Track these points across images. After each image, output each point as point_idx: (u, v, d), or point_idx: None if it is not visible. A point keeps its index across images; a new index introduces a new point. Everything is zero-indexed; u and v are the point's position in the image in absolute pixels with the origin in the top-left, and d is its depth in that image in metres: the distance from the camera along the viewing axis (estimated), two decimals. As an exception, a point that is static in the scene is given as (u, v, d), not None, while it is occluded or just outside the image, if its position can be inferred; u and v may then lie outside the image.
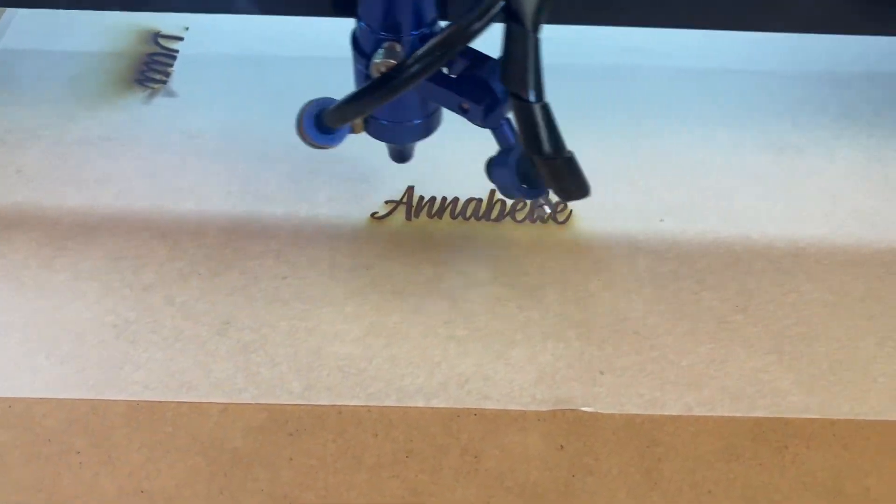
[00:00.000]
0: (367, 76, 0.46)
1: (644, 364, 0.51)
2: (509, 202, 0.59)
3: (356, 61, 0.48)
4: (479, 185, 0.60)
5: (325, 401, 0.49)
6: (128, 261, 0.56)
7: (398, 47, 0.44)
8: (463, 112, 0.45)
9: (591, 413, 0.49)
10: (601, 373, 0.51)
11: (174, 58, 0.71)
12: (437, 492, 0.46)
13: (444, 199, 0.60)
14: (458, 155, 0.60)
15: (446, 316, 0.53)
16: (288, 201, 0.60)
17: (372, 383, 0.50)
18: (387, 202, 0.60)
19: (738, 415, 0.49)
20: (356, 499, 0.46)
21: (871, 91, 0.68)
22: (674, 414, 0.49)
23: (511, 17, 0.37)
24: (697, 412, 0.49)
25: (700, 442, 0.48)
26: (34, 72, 0.69)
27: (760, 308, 0.54)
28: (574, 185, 0.42)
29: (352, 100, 0.44)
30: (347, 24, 0.67)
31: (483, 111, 0.44)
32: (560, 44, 0.72)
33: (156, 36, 0.72)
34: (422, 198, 0.60)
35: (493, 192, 0.60)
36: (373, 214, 0.59)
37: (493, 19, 0.38)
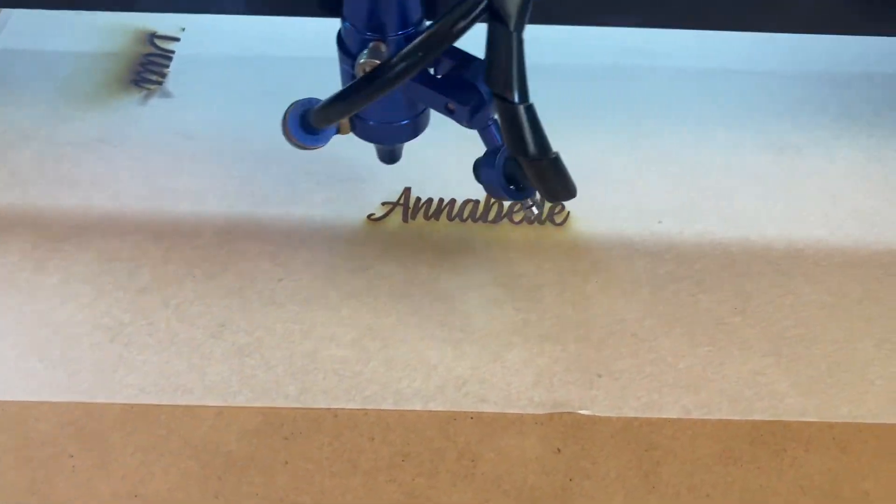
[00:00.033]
0: (352, 76, 0.46)
1: (642, 367, 0.51)
2: (506, 204, 0.59)
3: (342, 61, 0.48)
4: (476, 187, 0.60)
5: (320, 404, 0.49)
6: (122, 263, 0.55)
7: (383, 47, 0.44)
8: (449, 113, 0.45)
9: (588, 416, 0.49)
10: (598, 375, 0.50)
11: (170, 58, 0.70)
12: (434, 496, 0.46)
13: (441, 200, 0.60)
14: (454, 156, 0.60)
15: (443, 318, 0.53)
16: (284, 203, 0.59)
17: (368, 386, 0.50)
18: (383, 204, 0.59)
19: (735, 418, 0.49)
20: (352, 503, 0.46)
21: (871, 91, 0.68)
22: (672, 417, 0.49)
23: (494, 17, 0.37)
24: (695, 415, 0.49)
25: (698, 445, 0.48)
26: (28, 72, 0.69)
27: (758, 310, 0.54)
28: (560, 185, 0.42)
29: (336, 100, 0.43)
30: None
31: (469, 112, 0.44)
32: (558, 44, 0.72)
33: (152, 36, 0.72)
34: (418, 199, 0.60)
35: (490, 193, 0.60)
36: (369, 216, 0.59)
37: (478, 19, 0.37)
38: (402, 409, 0.49)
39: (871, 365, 0.51)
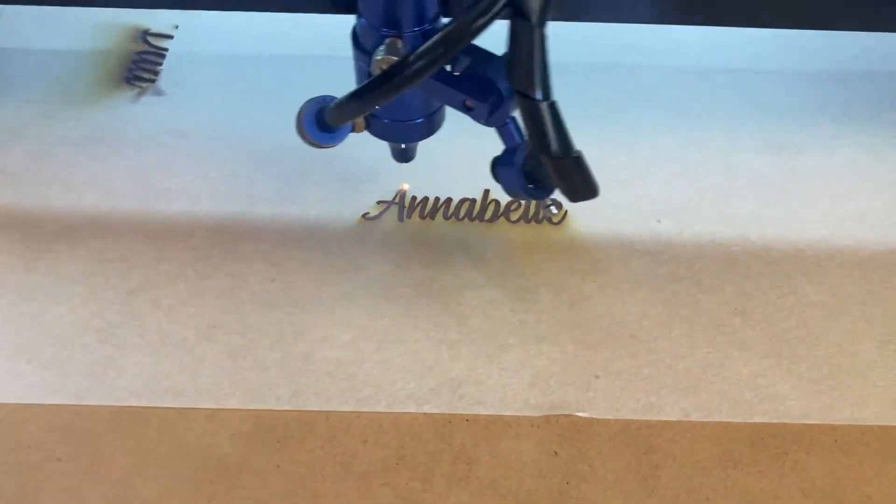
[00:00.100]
0: (368, 73, 0.45)
1: (640, 368, 0.50)
2: (503, 203, 0.58)
3: (357, 58, 0.46)
4: (473, 186, 0.59)
5: (313, 406, 0.48)
6: (113, 263, 0.55)
7: (399, 43, 0.43)
8: (467, 110, 0.44)
9: (585, 418, 0.48)
10: (596, 377, 0.50)
11: (163, 56, 0.69)
12: (429, 500, 0.45)
13: (437, 199, 0.59)
14: (451, 155, 0.59)
15: (439, 319, 0.52)
16: (277, 202, 0.59)
17: (362, 388, 0.49)
18: (379, 203, 0.59)
19: (736, 420, 0.48)
20: (346, 507, 0.45)
21: (872, 90, 0.67)
22: (671, 419, 0.48)
23: (517, 12, 0.36)
24: (695, 417, 0.48)
25: (697, 448, 0.47)
26: (19, 71, 0.68)
27: (759, 311, 0.53)
28: (582, 184, 0.41)
29: (353, 97, 0.42)
30: (338, 22, 0.66)
31: (487, 109, 0.43)
32: (556, 41, 0.71)
33: (145, 34, 0.71)
34: (414, 198, 0.59)
35: (486, 192, 0.59)
36: (364, 215, 0.58)
37: (498, 15, 0.36)
38: (396, 411, 0.48)
39: (873, 366, 0.50)
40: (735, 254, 0.56)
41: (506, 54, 0.39)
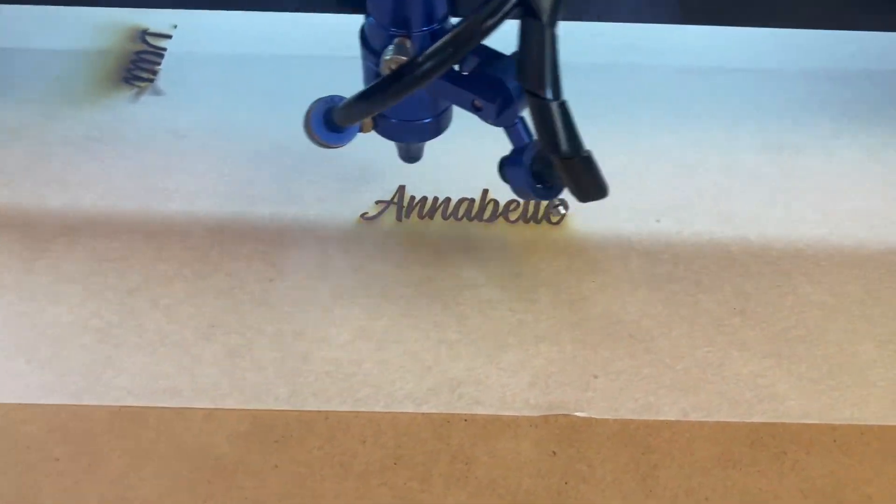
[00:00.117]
0: (377, 73, 0.44)
1: (639, 368, 0.50)
2: (502, 203, 0.58)
3: (365, 58, 0.46)
4: (472, 185, 0.59)
5: (312, 406, 0.48)
6: (111, 263, 0.55)
7: (408, 43, 0.43)
8: (475, 110, 0.44)
9: (584, 418, 0.48)
10: (595, 377, 0.50)
11: (162, 56, 0.69)
12: (427, 500, 0.45)
13: (436, 199, 0.59)
14: (450, 154, 0.59)
15: (437, 319, 0.52)
16: (276, 202, 0.58)
17: (360, 388, 0.49)
18: (377, 202, 0.59)
19: (735, 420, 0.48)
20: (344, 507, 0.45)
21: (871, 89, 0.67)
22: (669, 419, 0.48)
23: (527, 12, 0.36)
24: (694, 417, 0.48)
25: (696, 448, 0.47)
26: (18, 70, 0.68)
27: (758, 310, 0.53)
28: (592, 184, 0.41)
29: (361, 98, 0.42)
30: (336, 22, 0.66)
31: (496, 109, 0.43)
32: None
33: (143, 33, 0.71)
34: (413, 198, 0.59)
35: (485, 192, 0.59)
36: (362, 215, 0.58)
37: (508, 15, 0.36)
38: (394, 411, 0.48)
39: (873, 366, 0.50)
40: (734, 253, 0.56)
41: (514, 54, 0.39)
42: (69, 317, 0.52)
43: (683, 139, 0.63)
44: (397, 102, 0.41)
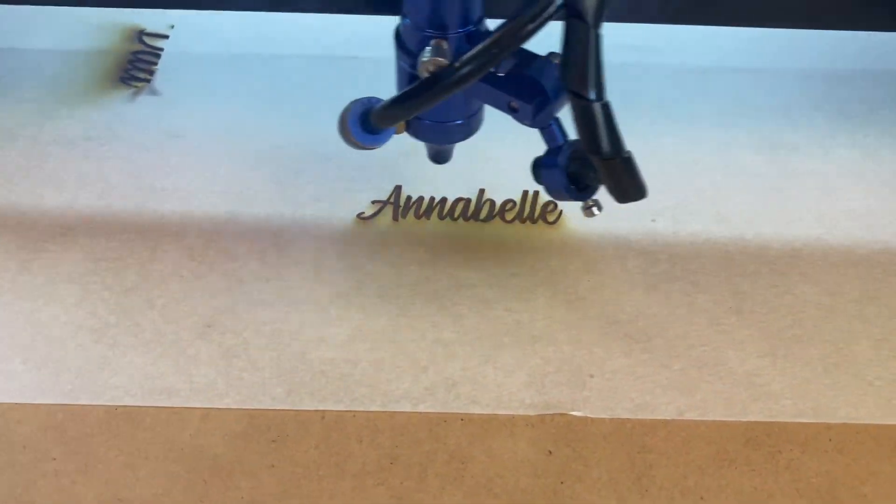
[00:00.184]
0: (412, 75, 0.44)
1: (635, 367, 0.50)
2: (498, 202, 0.58)
3: (399, 58, 0.46)
4: (468, 185, 0.59)
5: (308, 406, 0.48)
6: (108, 263, 0.55)
7: (445, 45, 0.42)
8: (511, 112, 0.44)
9: (580, 417, 0.48)
10: (591, 376, 0.50)
11: (159, 56, 0.69)
12: (424, 499, 0.45)
13: (433, 199, 0.59)
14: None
15: (434, 319, 0.52)
16: (272, 202, 0.58)
17: (357, 388, 0.49)
18: (373, 202, 0.59)
19: (730, 419, 0.48)
20: (340, 507, 0.45)
21: (867, 89, 0.67)
22: (665, 418, 0.48)
23: (572, 13, 0.36)
24: (689, 417, 0.48)
25: (692, 447, 0.47)
26: (13, 70, 0.68)
27: (754, 310, 0.53)
28: (631, 185, 0.41)
29: (400, 100, 0.42)
30: (335, 22, 0.66)
31: (533, 110, 0.43)
32: (554, 40, 0.71)
33: (140, 34, 0.71)
34: (409, 198, 0.59)
35: (481, 191, 0.59)
36: (359, 215, 0.58)
37: (551, 18, 0.36)
38: (391, 410, 0.48)
39: (869, 365, 0.50)
40: (730, 253, 0.56)
41: (550, 54, 0.39)
42: (65, 317, 0.52)
43: (680, 139, 0.63)
44: (436, 105, 0.40)
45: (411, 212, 0.58)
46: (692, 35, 0.71)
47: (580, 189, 0.45)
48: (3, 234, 0.56)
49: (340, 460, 0.46)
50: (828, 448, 0.47)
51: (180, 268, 0.55)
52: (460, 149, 0.57)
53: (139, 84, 0.67)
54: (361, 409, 0.48)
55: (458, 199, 0.59)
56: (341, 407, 0.48)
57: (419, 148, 0.54)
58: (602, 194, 0.43)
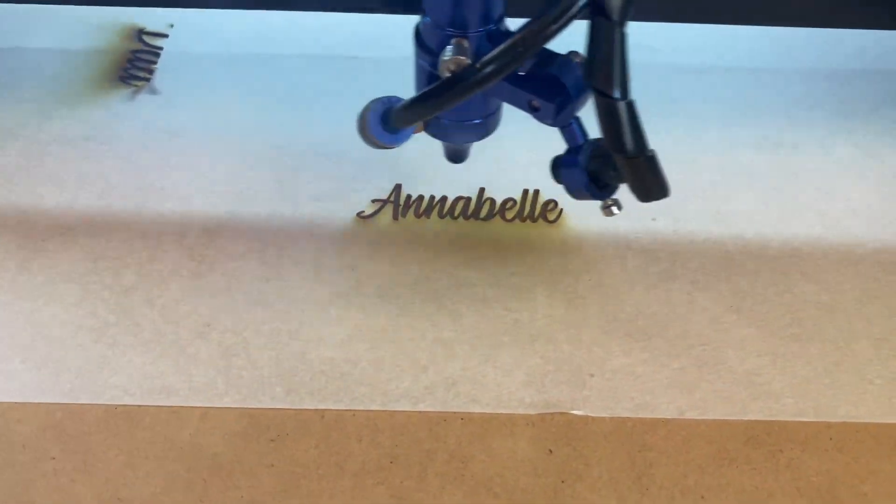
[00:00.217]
0: (431, 73, 0.44)
1: (635, 366, 0.50)
2: (498, 201, 0.58)
3: (419, 57, 0.45)
4: (468, 184, 0.59)
5: (307, 405, 0.48)
6: (107, 262, 0.55)
7: (466, 43, 0.42)
8: (532, 111, 0.43)
9: (580, 417, 0.48)
10: (591, 375, 0.50)
11: (158, 55, 0.69)
12: (423, 499, 0.45)
13: (433, 197, 0.59)
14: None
15: (433, 318, 0.52)
16: (272, 201, 0.58)
17: (356, 387, 0.49)
18: (373, 201, 0.59)
19: (731, 418, 0.48)
20: (340, 506, 0.45)
21: (868, 88, 0.67)
22: (665, 417, 0.48)
23: (597, 11, 0.36)
24: (689, 415, 0.48)
25: (692, 446, 0.47)
26: (13, 69, 0.68)
27: (754, 309, 0.53)
28: (655, 184, 0.41)
29: (421, 100, 0.41)
30: (334, 22, 0.66)
31: (555, 109, 0.43)
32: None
33: (140, 33, 0.71)
34: (409, 196, 0.59)
35: (482, 190, 0.59)
36: (359, 214, 0.58)
37: (575, 17, 0.36)
38: (390, 409, 0.48)
39: (869, 364, 0.50)
40: (730, 252, 0.56)
41: (570, 53, 0.40)
42: (65, 316, 0.52)
43: (679, 137, 0.63)
44: (458, 105, 0.40)
45: (411, 211, 0.58)
46: (691, 34, 0.71)
47: (600, 188, 0.45)
48: (2, 234, 0.56)
49: (340, 459, 0.46)
50: (828, 447, 0.47)
51: (180, 267, 0.54)
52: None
53: (139, 83, 0.67)
54: (361, 408, 0.48)
55: (459, 198, 0.59)
56: (341, 406, 0.48)
57: (419, 147, 0.54)
58: (621, 193, 0.43)
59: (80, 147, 0.62)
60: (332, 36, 0.70)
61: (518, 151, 0.61)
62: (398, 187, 0.59)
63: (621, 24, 0.36)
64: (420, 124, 0.48)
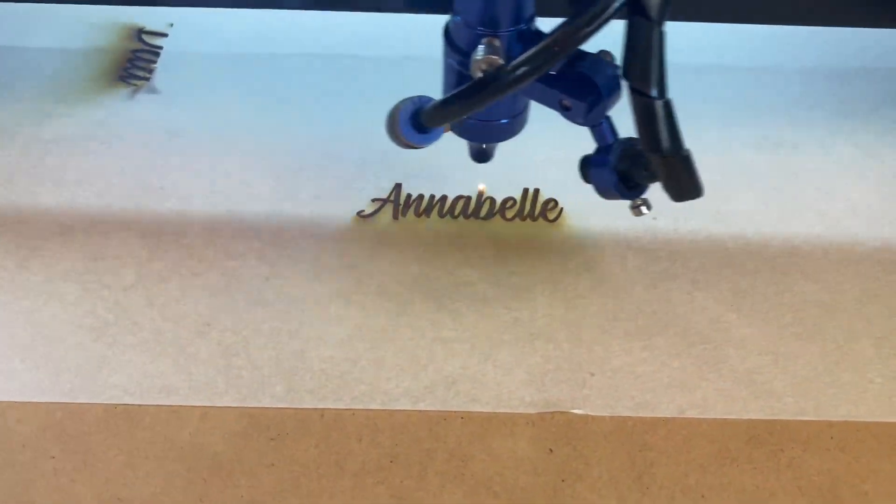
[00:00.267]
0: (461, 73, 0.44)
1: (635, 366, 0.50)
2: (499, 200, 0.58)
3: (448, 56, 0.45)
4: (468, 183, 0.59)
5: (307, 404, 0.48)
6: (106, 261, 0.55)
7: (497, 42, 0.41)
8: (563, 110, 0.43)
9: (581, 416, 0.48)
10: (591, 374, 0.49)
11: (158, 54, 0.69)
12: (423, 498, 0.45)
13: (433, 196, 0.59)
14: (446, 151, 0.59)
15: (433, 317, 0.52)
16: (271, 200, 0.58)
17: (356, 386, 0.49)
18: (373, 200, 0.58)
19: (731, 417, 0.48)
20: (340, 505, 0.45)
21: (868, 87, 0.67)
22: (666, 416, 0.48)
23: (636, 10, 0.36)
24: (690, 415, 0.48)
25: (693, 445, 0.47)
26: (12, 69, 0.68)
27: (755, 308, 0.53)
28: (689, 184, 0.41)
29: (454, 100, 0.41)
30: (333, 22, 0.66)
31: (586, 109, 0.42)
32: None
33: (140, 32, 0.71)
34: (409, 195, 0.59)
35: (482, 189, 0.59)
36: (359, 213, 0.58)
37: (613, 17, 0.36)
38: (390, 409, 0.48)
39: (870, 363, 0.50)
40: (731, 251, 0.56)
41: (601, 52, 0.40)
42: (64, 315, 0.52)
43: (680, 137, 0.63)
44: (489, 105, 0.40)
45: (411, 210, 0.58)
46: (691, 33, 0.71)
47: (629, 188, 0.45)
48: (2, 233, 0.56)
49: (340, 459, 0.46)
50: (829, 446, 0.47)
51: (179, 266, 0.54)
52: (461, 147, 0.56)
53: (138, 82, 0.67)
54: (361, 407, 0.48)
55: (459, 197, 0.59)
56: (341, 405, 0.48)
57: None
58: (653, 191, 0.43)
59: (79, 146, 0.62)
60: (332, 36, 0.70)
61: (518, 151, 0.61)
62: (398, 186, 0.59)
63: (660, 23, 0.36)
64: (448, 124, 0.47)
